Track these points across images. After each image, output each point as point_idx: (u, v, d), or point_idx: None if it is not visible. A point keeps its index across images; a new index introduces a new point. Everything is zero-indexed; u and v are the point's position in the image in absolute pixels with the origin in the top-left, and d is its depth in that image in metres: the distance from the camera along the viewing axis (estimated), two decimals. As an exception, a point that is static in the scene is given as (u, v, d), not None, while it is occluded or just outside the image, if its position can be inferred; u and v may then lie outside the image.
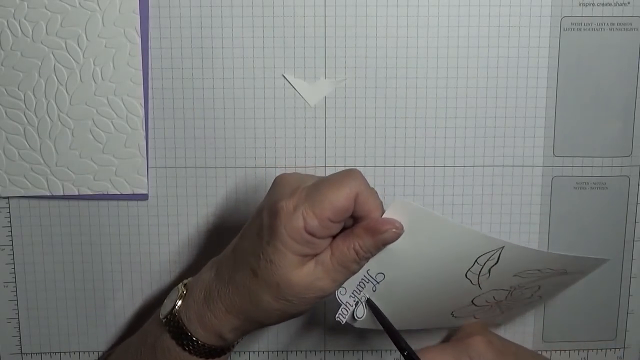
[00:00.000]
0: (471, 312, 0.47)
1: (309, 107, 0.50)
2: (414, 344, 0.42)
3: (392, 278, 0.42)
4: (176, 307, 0.43)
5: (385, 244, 0.40)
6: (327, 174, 0.49)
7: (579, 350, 0.53)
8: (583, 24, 0.48)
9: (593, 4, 0.48)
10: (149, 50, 0.48)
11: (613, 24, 0.48)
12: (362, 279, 0.43)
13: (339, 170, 0.41)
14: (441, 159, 0.50)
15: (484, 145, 0.50)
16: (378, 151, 0.50)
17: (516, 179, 0.50)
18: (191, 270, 0.52)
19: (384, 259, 0.41)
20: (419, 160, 0.50)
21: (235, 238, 0.43)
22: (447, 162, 0.50)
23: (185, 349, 0.42)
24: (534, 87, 0.49)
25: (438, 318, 0.48)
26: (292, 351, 0.53)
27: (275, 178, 0.42)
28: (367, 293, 0.43)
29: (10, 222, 0.51)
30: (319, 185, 0.39)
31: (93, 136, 0.49)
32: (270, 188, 0.42)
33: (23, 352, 0.53)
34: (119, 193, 0.50)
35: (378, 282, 0.43)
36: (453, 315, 0.47)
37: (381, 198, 0.41)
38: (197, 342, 0.42)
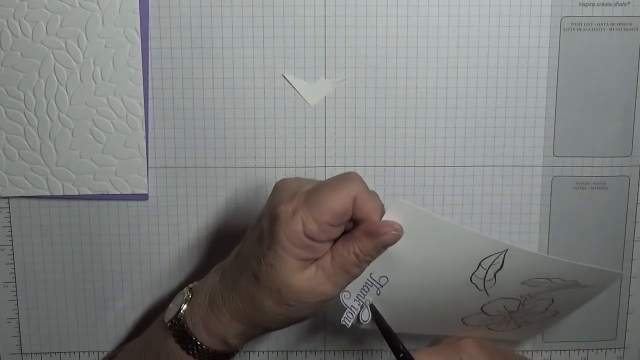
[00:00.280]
0: (483, 321, 0.46)
1: (309, 107, 0.50)
2: (406, 346, 0.43)
3: (396, 281, 0.42)
4: (181, 311, 0.43)
5: (385, 246, 0.40)
6: (327, 174, 0.50)
7: (579, 350, 0.53)
8: (583, 24, 0.48)
9: (593, 4, 0.48)
10: (149, 50, 0.48)
11: (613, 24, 0.48)
12: (366, 282, 0.43)
13: (338, 172, 0.41)
14: (441, 159, 0.50)
15: (484, 145, 0.50)
16: (378, 151, 0.50)
17: (516, 179, 0.50)
18: (191, 270, 0.52)
19: (387, 262, 0.41)
20: (419, 160, 0.50)
21: (239, 244, 0.43)
22: (447, 162, 0.50)
23: (189, 354, 0.42)
24: (534, 87, 0.49)
25: (448, 325, 0.47)
26: (292, 351, 0.53)
27: (276, 183, 0.42)
28: (371, 297, 0.43)
29: (10, 222, 0.51)
30: (317, 189, 0.39)
31: (93, 136, 0.49)
32: (271, 193, 0.42)
33: (23, 352, 0.53)
34: (119, 193, 0.50)
35: (382, 286, 0.43)
36: (464, 323, 0.47)
37: (381, 198, 0.41)
38: (202, 347, 0.42)
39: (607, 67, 0.49)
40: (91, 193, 0.50)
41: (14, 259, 0.52)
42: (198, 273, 0.52)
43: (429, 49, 0.49)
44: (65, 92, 0.48)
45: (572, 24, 0.48)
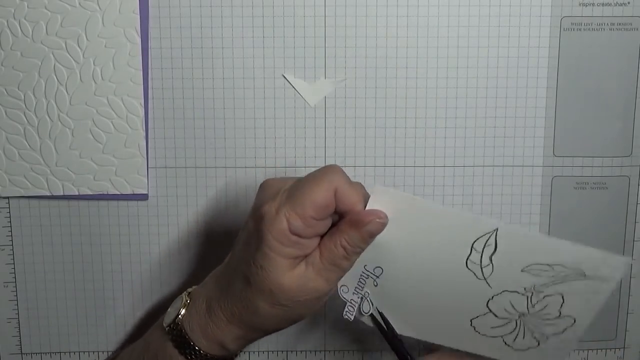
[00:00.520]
0: (494, 327, 0.45)
1: (309, 107, 0.50)
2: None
3: (391, 271, 0.42)
4: (179, 316, 0.42)
5: (371, 235, 0.39)
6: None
7: (579, 350, 0.53)
8: (583, 24, 0.48)
9: (593, 4, 0.48)
10: (149, 50, 0.48)
11: (613, 24, 0.48)
12: (361, 274, 0.42)
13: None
14: (441, 159, 0.50)
15: (484, 145, 0.50)
16: (378, 151, 0.50)
17: (516, 179, 0.50)
18: (191, 270, 0.52)
19: (378, 251, 0.41)
20: (419, 160, 0.50)
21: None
22: (447, 162, 0.50)
23: (188, 358, 0.42)
24: (534, 87, 0.49)
25: (458, 330, 0.46)
26: (292, 351, 0.53)
27: (260, 184, 0.42)
28: (369, 289, 0.43)
29: (10, 222, 0.51)
30: (298, 185, 0.39)
31: (93, 136, 0.49)
32: (256, 194, 0.42)
33: (23, 352, 0.53)
34: (119, 193, 0.50)
35: (377, 277, 0.42)
36: (475, 330, 0.45)
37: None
38: (200, 352, 0.42)
39: (607, 67, 0.49)
40: (91, 193, 0.50)
41: (14, 259, 0.52)
42: (198, 273, 0.52)
43: (429, 49, 0.49)
44: (65, 92, 0.48)
45: (572, 24, 0.48)
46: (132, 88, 0.48)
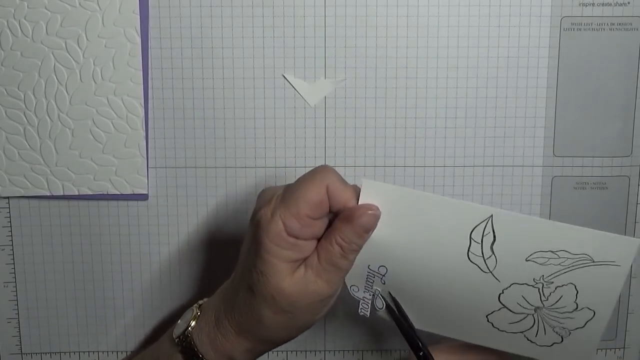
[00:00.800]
0: (512, 323, 0.44)
1: (309, 107, 0.50)
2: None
3: (395, 269, 0.42)
4: (189, 328, 0.42)
5: (365, 230, 0.39)
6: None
7: (579, 350, 0.53)
8: (583, 24, 0.48)
9: (593, 4, 0.48)
10: (149, 50, 0.48)
11: (613, 24, 0.48)
12: (368, 275, 0.42)
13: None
14: (441, 159, 0.50)
15: (484, 145, 0.50)
16: (378, 151, 0.50)
17: (516, 179, 0.50)
18: (191, 270, 0.52)
19: (378, 250, 0.41)
20: (419, 160, 0.50)
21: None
22: (447, 162, 0.50)
23: None
24: (534, 87, 0.49)
25: (475, 325, 0.45)
26: (292, 351, 0.53)
27: (259, 193, 0.42)
28: (379, 287, 0.43)
29: (10, 222, 0.51)
30: (291, 187, 0.40)
31: (93, 136, 0.49)
32: (256, 202, 0.42)
33: (23, 352, 0.53)
34: (119, 193, 0.50)
35: (383, 275, 0.42)
36: (493, 326, 0.44)
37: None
38: None
39: (607, 67, 0.49)
40: (91, 193, 0.50)
41: (14, 259, 0.52)
42: (198, 273, 0.52)
43: (429, 49, 0.49)
44: (65, 92, 0.48)
45: (572, 24, 0.48)
46: (132, 88, 0.48)
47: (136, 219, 0.51)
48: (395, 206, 0.40)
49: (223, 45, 0.49)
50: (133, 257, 0.52)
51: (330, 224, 0.40)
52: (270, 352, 0.53)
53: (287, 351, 0.53)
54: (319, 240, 0.40)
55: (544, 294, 0.42)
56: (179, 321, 0.44)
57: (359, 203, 0.39)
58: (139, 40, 0.48)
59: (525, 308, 0.43)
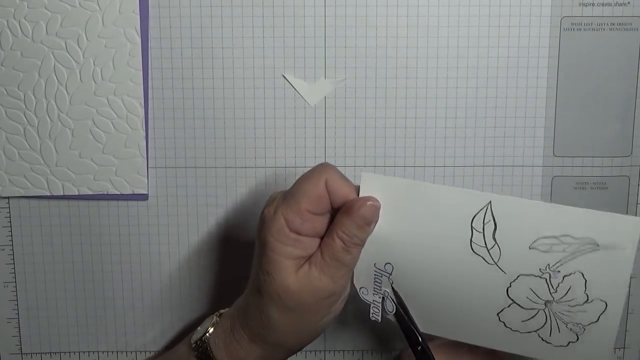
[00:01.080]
0: (522, 318, 0.43)
1: (309, 107, 0.50)
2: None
3: (401, 266, 0.42)
4: (207, 334, 0.43)
5: (366, 221, 0.39)
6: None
7: (579, 350, 0.53)
8: (583, 24, 0.48)
9: (593, 4, 0.48)
10: (149, 50, 0.48)
11: (613, 24, 0.48)
12: (375, 274, 0.42)
13: None
14: (441, 159, 0.50)
15: (484, 145, 0.50)
16: (378, 151, 0.50)
17: (516, 179, 0.50)
18: (191, 270, 0.52)
19: (383, 247, 0.41)
20: (419, 160, 0.50)
21: None
22: (447, 162, 0.50)
23: None
24: (534, 87, 0.49)
25: (486, 326, 0.44)
26: (292, 351, 0.53)
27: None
28: (387, 288, 0.43)
29: (10, 222, 0.51)
30: (292, 187, 0.40)
31: (93, 136, 0.49)
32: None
33: (23, 352, 0.53)
34: (119, 193, 0.50)
35: (390, 274, 0.42)
36: (505, 325, 0.44)
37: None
38: None
39: (607, 67, 0.49)
40: (91, 193, 0.50)
41: (14, 259, 0.52)
42: (198, 273, 0.52)
43: (429, 49, 0.49)
44: (65, 92, 0.48)
45: (572, 24, 0.48)
46: (132, 88, 0.48)
47: (136, 219, 0.51)
48: (396, 198, 0.40)
49: (223, 45, 0.49)
50: (133, 257, 0.52)
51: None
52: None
53: (287, 351, 0.53)
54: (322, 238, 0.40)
55: (552, 286, 0.42)
56: (199, 328, 0.45)
57: (359, 196, 0.40)
58: (139, 40, 0.48)
59: (535, 303, 0.42)
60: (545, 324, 0.43)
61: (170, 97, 0.49)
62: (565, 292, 0.42)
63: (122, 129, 0.49)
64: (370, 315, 0.43)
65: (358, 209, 0.39)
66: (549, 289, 0.42)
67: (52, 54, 0.48)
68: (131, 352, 0.53)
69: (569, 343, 0.43)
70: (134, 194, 0.50)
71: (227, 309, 0.45)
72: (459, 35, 0.48)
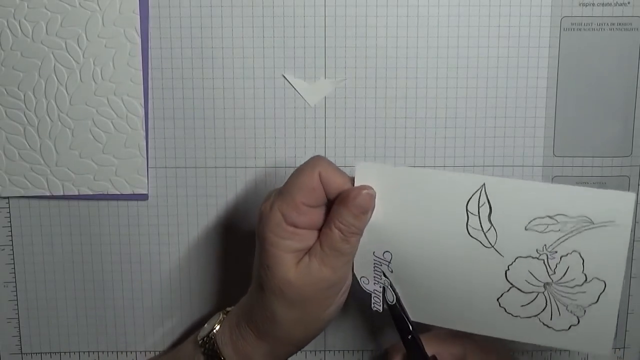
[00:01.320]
0: (522, 302, 0.43)
1: (309, 107, 0.50)
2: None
3: (399, 254, 0.42)
4: (213, 330, 0.43)
5: (362, 210, 0.39)
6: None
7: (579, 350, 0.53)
8: (583, 24, 0.48)
9: (593, 4, 0.48)
10: (149, 50, 0.48)
11: (613, 24, 0.48)
12: (374, 262, 0.42)
13: None
14: (441, 159, 0.50)
15: (484, 145, 0.50)
16: (378, 151, 0.50)
17: (516, 179, 0.50)
18: (191, 270, 0.52)
19: (380, 235, 0.41)
20: (419, 160, 0.50)
21: None
22: (447, 162, 0.50)
23: None
24: (534, 87, 0.49)
25: (486, 312, 0.43)
26: (292, 351, 0.53)
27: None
28: (387, 277, 0.43)
29: (10, 222, 0.51)
30: (286, 181, 0.40)
31: (93, 136, 0.49)
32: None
33: (23, 352, 0.53)
34: (119, 193, 0.50)
35: (389, 262, 0.42)
36: (505, 310, 0.43)
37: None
38: None
39: (607, 67, 0.49)
40: (91, 193, 0.50)
41: (14, 259, 0.52)
42: (198, 273, 0.52)
43: (429, 49, 0.49)
44: (65, 92, 0.48)
45: (572, 24, 0.48)
46: (132, 88, 0.48)
47: (136, 219, 0.51)
48: (391, 185, 0.40)
49: (223, 45, 0.49)
50: (133, 257, 0.52)
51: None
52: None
53: (287, 351, 0.53)
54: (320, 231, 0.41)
55: (550, 267, 0.42)
56: (205, 325, 0.45)
57: (355, 186, 0.40)
58: (139, 40, 0.48)
59: (534, 285, 0.42)
60: (545, 307, 0.43)
61: (170, 97, 0.49)
62: (564, 273, 0.42)
63: (122, 129, 0.49)
64: (372, 305, 0.44)
65: (354, 198, 0.39)
66: (547, 271, 0.42)
67: (52, 54, 0.48)
68: (131, 352, 0.53)
69: (570, 326, 0.43)
70: (134, 194, 0.50)
71: (232, 307, 0.45)
72: (459, 35, 0.48)
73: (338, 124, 0.50)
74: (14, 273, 0.52)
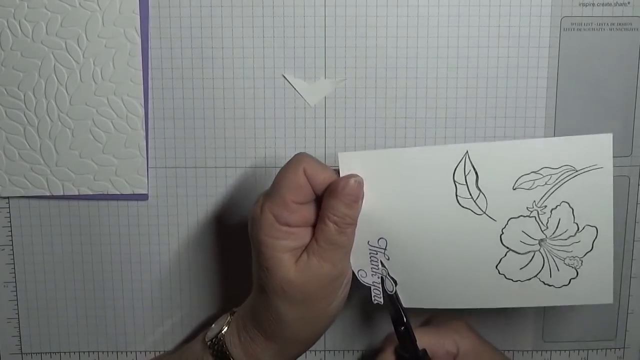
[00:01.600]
0: (520, 265, 0.43)
1: (309, 107, 0.50)
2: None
3: (394, 238, 0.42)
4: (222, 331, 0.43)
5: (352, 199, 0.39)
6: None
7: (579, 350, 0.53)
8: (583, 24, 0.48)
9: (593, 4, 0.48)
10: (149, 50, 0.48)
11: (613, 24, 0.48)
12: (370, 252, 0.42)
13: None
14: (441, 159, 0.50)
15: (484, 145, 0.50)
16: (378, 151, 0.50)
17: (516, 179, 0.50)
18: (191, 270, 0.52)
19: (373, 222, 0.41)
20: (419, 160, 0.50)
21: None
22: (447, 162, 0.50)
23: None
24: (534, 87, 0.49)
25: (487, 282, 0.43)
26: (292, 351, 0.53)
27: None
28: (384, 266, 0.43)
29: (10, 222, 0.51)
30: (273, 182, 0.41)
31: (93, 136, 0.49)
32: None
33: (23, 352, 0.53)
34: (119, 193, 0.50)
35: (385, 249, 0.42)
36: (505, 277, 0.43)
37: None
38: None
39: (607, 67, 0.49)
40: (91, 193, 0.50)
41: (14, 259, 0.52)
42: (197, 273, 0.52)
43: (429, 49, 0.49)
44: (65, 92, 0.48)
45: (572, 24, 0.48)
46: (132, 88, 0.48)
47: (136, 219, 0.51)
48: (376, 170, 0.40)
49: (223, 45, 0.49)
50: (133, 257, 0.52)
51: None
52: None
53: (287, 351, 0.53)
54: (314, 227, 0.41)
55: (542, 223, 0.42)
56: (213, 325, 0.45)
57: (341, 176, 0.40)
58: (139, 40, 0.48)
59: (529, 245, 0.42)
60: (543, 265, 0.43)
61: (170, 97, 0.49)
62: (556, 226, 0.42)
63: (122, 129, 0.49)
64: (372, 298, 0.44)
65: (343, 187, 0.39)
66: (540, 227, 0.42)
67: (52, 54, 0.48)
68: (131, 352, 0.53)
69: (570, 280, 0.43)
70: (134, 194, 0.50)
71: (238, 308, 0.45)
72: (459, 35, 0.48)
73: (338, 124, 0.50)
74: (14, 273, 0.52)
